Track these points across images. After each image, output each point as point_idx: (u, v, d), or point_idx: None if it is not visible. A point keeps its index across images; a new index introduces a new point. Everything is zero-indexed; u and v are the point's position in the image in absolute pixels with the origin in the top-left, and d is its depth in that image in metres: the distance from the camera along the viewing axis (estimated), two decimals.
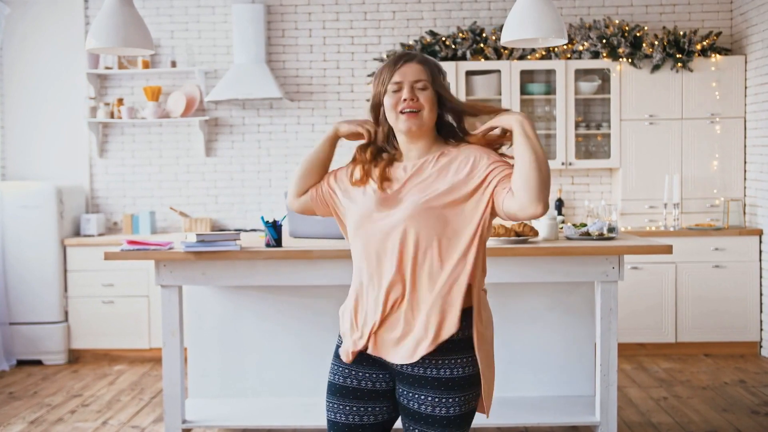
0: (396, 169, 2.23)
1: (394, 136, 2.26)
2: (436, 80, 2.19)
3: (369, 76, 6.34)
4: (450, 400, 2.13)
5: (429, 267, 2.11)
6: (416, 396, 2.15)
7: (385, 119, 2.23)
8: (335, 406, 2.24)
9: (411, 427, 2.18)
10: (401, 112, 2.16)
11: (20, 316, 5.96)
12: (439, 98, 2.20)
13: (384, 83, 2.19)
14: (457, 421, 2.15)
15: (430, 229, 2.10)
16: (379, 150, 2.28)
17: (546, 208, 2.01)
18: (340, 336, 2.29)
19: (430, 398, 2.14)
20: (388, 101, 2.19)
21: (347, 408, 2.23)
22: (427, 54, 6.20)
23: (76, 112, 6.49)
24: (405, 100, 2.15)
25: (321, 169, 2.35)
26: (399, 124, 2.18)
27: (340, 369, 2.25)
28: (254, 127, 6.55)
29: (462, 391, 2.15)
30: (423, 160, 2.21)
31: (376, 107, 2.25)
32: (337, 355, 2.28)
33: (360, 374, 2.22)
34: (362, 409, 2.23)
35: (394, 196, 2.18)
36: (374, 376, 2.22)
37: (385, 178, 2.21)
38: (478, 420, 3.96)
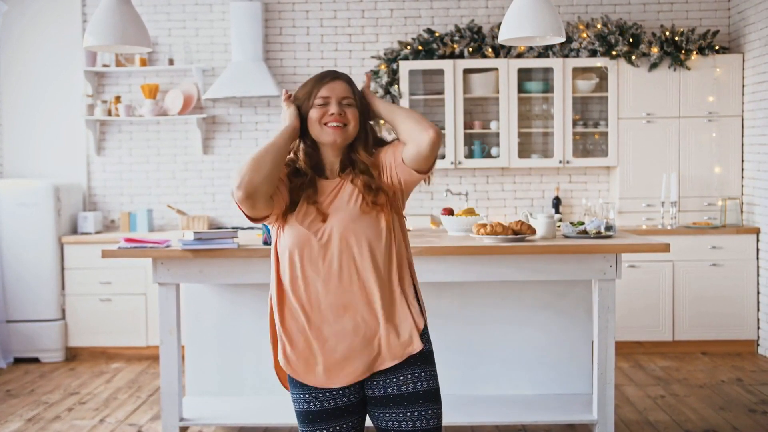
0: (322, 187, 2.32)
1: (308, 148, 2.32)
2: (359, 99, 2.31)
3: (305, 85, 6.34)
4: (429, 373, 2.27)
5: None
6: (395, 379, 2.22)
7: (303, 132, 2.31)
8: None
9: (393, 414, 2.22)
10: (326, 125, 2.25)
11: (17, 314, 5.95)
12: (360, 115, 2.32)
13: (311, 97, 2.27)
14: (437, 393, 2.28)
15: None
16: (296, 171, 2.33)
17: (437, 132, 2.18)
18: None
19: (409, 376, 2.22)
20: (314, 114, 2.26)
21: (332, 429, 2.26)
22: (425, 52, 6.20)
23: (74, 109, 6.48)
24: (332, 114, 2.24)
25: (283, 159, 2.26)
26: (324, 136, 2.27)
27: (313, 395, 2.26)
28: (252, 125, 6.54)
29: (437, 403, 2.28)
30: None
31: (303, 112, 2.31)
32: (298, 384, 2.28)
33: (334, 393, 2.25)
34: (344, 426, 2.28)
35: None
36: (347, 390, 2.26)
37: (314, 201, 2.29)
38: (477, 418, 3.97)
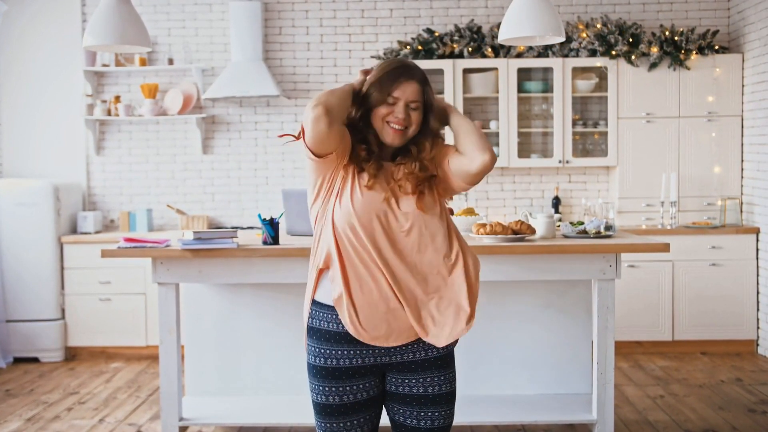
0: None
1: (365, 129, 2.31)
2: (428, 101, 2.31)
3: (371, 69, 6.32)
4: (450, 375, 2.34)
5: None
6: (422, 380, 2.27)
7: (365, 117, 2.29)
8: (325, 389, 2.26)
9: (414, 413, 2.28)
10: (388, 123, 2.26)
11: (17, 314, 5.95)
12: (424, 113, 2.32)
13: (383, 93, 2.25)
14: (454, 394, 2.36)
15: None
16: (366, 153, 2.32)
17: (492, 157, 2.23)
18: (319, 351, 2.28)
19: (435, 378, 2.28)
20: (381, 110, 2.26)
21: (340, 389, 2.25)
22: (425, 51, 6.20)
23: (73, 109, 6.47)
24: (397, 117, 2.25)
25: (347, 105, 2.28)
26: (383, 134, 2.27)
27: (333, 389, 2.26)
28: (251, 125, 6.54)
29: (453, 403, 2.37)
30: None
31: (365, 102, 2.29)
32: (323, 376, 2.27)
33: (354, 387, 2.25)
34: (360, 420, 2.27)
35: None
36: (368, 384, 2.27)
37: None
38: (477, 418, 3.97)
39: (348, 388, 2.24)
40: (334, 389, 2.24)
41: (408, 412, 2.29)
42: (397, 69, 2.27)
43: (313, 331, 2.27)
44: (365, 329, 2.19)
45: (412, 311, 2.20)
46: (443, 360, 2.31)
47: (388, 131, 2.26)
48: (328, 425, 2.27)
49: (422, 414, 2.28)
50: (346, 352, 2.23)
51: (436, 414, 2.29)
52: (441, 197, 2.34)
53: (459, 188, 2.33)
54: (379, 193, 2.23)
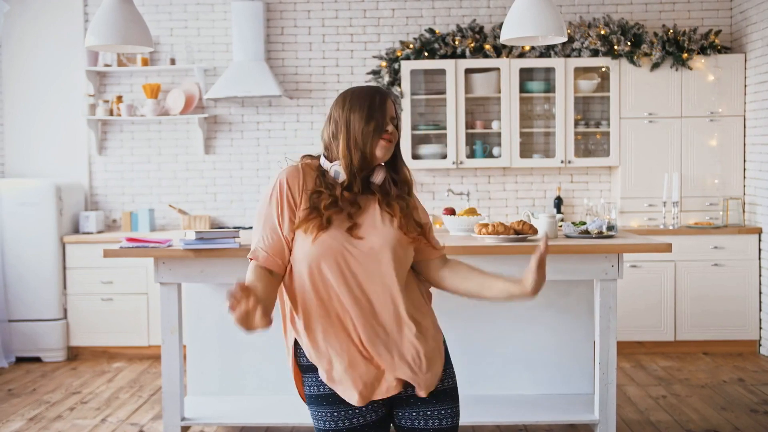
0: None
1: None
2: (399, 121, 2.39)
3: (368, 74, 6.33)
4: (454, 409, 2.31)
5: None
6: (429, 413, 2.26)
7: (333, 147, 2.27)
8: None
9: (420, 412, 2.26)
10: (382, 139, 2.25)
11: (19, 314, 5.96)
12: None
13: (381, 125, 2.24)
14: (457, 426, 2.32)
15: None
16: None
17: None
18: (319, 377, 2.24)
19: (437, 412, 2.26)
20: (381, 129, 2.25)
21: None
22: (427, 51, 6.20)
23: (75, 109, 6.48)
24: (388, 132, 2.26)
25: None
26: (379, 150, 2.25)
27: (342, 413, 2.21)
28: (253, 125, 6.54)
29: (457, 401, 2.34)
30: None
31: (336, 134, 2.27)
32: (329, 402, 2.22)
33: (363, 409, 2.22)
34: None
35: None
36: (376, 404, 2.23)
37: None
38: (478, 418, 3.97)
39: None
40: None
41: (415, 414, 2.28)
42: (379, 99, 2.27)
43: None
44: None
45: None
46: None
47: (381, 146, 2.25)
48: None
49: (429, 413, 2.27)
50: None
51: (443, 412, 2.28)
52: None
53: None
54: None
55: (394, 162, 2.32)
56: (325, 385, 2.21)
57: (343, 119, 2.25)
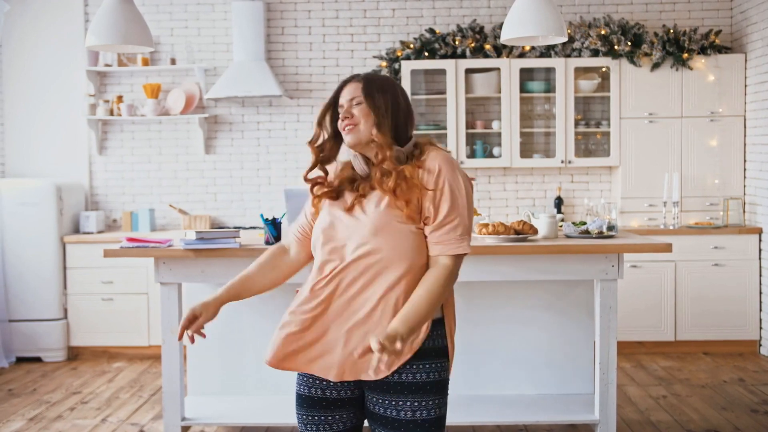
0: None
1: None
2: (373, 94, 2.23)
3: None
4: (429, 403, 2.18)
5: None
6: (393, 403, 2.18)
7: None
8: (303, 417, 2.27)
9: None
10: (343, 130, 2.25)
11: (20, 313, 5.96)
12: (393, 112, 2.25)
13: (335, 111, 2.29)
14: (436, 423, 2.20)
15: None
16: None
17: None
18: None
19: (408, 403, 2.17)
20: (339, 123, 2.27)
21: (315, 418, 2.25)
22: (427, 51, 6.20)
23: (76, 109, 6.48)
24: (341, 119, 2.25)
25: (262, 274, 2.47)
26: (345, 140, 2.26)
27: (305, 379, 2.27)
28: (253, 125, 6.54)
29: (438, 394, 2.20)
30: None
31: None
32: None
33: (324, 383, 2.24)
34: (330, 418, 2.25)
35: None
36: (338, 384, 2.24)
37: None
38: (479, 417, 3.97)
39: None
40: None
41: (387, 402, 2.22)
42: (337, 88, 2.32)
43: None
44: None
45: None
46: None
47: (344, 135, 2.25)
48: (301, 416, 2.27)
49: (405, 404, 2.18)
50: None
51: (423, 404, 2.19)
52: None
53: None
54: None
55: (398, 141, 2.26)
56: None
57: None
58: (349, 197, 2.24)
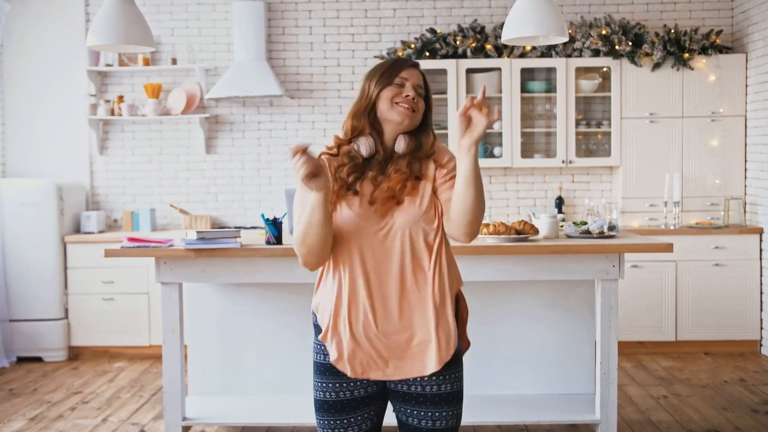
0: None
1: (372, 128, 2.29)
2: (429, 96, 2.32)
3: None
4: (451, 413, 2.24)
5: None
6: (417, 412, 2.23)
7: (367, 115, 2.27)
8: (333, 422, 2.25)
9: (415, 411, 2.24)
10: (398, 104, 2.23)
11: (20, 313, 5.96)
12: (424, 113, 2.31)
13: (390, 77, 2.25)
14: (460, 395, 2.27)
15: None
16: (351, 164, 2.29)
17: (472, 239, 2.21)
18: (321, 349, 2.29)
19: (434, 377, 2.21)
20: (388, 92, 2.24)
21: (346, 421, 2.25)
22: (428, 51, 6.20)
23: (77, 109, 6.48)
24: (407, 96, 2.23)
25: (327, 227, 2.15)
26: (393, 114, 2.23)
27: (330, 384, 2.25)
28: (254, 125, 6.54)
29: (461, 402, 2.28)
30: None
31: (365, 105, 2.28)
32: (321, 372, 2.28)
33: (351, 384, 2.25)
34: (359, 417, 2.26)
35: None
36: (363, 381, 2.25)
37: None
38: (479, 417, 3.97)
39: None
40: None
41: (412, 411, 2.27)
42: (399, 59, 2.31)
43: None
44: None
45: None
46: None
47: (397, 110, 2.23)
48: (326, 421, 2.27)
49: (426, 414, 2.25)
50: None
51: (444, 414, 2.24)
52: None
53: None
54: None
55: (420, 133, 2.29)
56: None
57: (362, 87, 2.30)
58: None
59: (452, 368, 2.24)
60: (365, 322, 2.18)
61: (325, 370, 2.25)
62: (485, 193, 6.42)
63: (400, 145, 2.25)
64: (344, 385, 2.23)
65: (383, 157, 2.26)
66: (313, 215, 2.12)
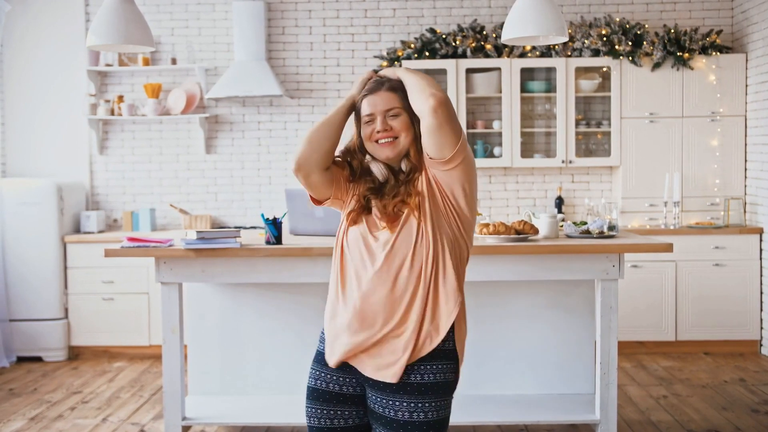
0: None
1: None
2: (409, 107, 2.20)
3: None
4: (428, 405, 2.16)
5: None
6: (391, 403, 2.17)
7: (362, 152, 2.29)
8: (309, 410, 2.29)
9: None
10: (377, 142, 2.21)
11: (20, 313, 5.96)
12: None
13: (359, 116, 2.24)
14: (434, 426, 2.18)
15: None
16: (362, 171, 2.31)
17: (439, 99, 2.07)
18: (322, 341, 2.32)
19: (405, 404, 2.15)
20: (365, 132, 2.24)
21: (318, 411, 2.26)
22: (428, 51, 6.20)
23: (77, 109, 6.48)
24: (378, 131, 2.20)
25: (336, 134, 2.25)
26: (378, 152, 2.23)
27: (313, 372, 2.30)
28: (254, 125, 6.54)
29: (437, 396, 2.18)
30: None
31: (356, 144, 2.30)
32: (315, 359, 2.32)
33: (328, 376, 2.26)
34: (331, 412, 2.25)
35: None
36: (341, 379, 2.25)
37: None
38: (479, 417, 3.97)
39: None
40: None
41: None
42: (365, 89, 2.25)
43: None
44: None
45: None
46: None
47: (378, 149, 2.21)
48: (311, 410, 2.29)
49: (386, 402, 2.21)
50: None
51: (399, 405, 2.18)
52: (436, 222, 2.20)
53: (442, 165, 2.14)
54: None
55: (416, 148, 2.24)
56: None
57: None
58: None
59: (435, 360, 2.18)
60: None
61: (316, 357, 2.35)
62: (487, 192, 6.42)
63: (378, 173, 2.26)
64: (321, 374, 2.31)
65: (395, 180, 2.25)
66: (335, 115, 2.23)
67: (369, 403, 2.23)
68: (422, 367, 2.16)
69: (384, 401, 2.17)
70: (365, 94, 2.23)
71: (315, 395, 2.27)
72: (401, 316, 2.16)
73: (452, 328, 2.20)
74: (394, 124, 2.19)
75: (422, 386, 2.16)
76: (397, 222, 2.18)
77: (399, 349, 2.15)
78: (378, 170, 2.25)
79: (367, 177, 2.28)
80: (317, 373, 2.28)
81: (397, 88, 2.21)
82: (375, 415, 2.21)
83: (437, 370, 2.17)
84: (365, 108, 2.21)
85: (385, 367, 2.16)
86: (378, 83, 2.23)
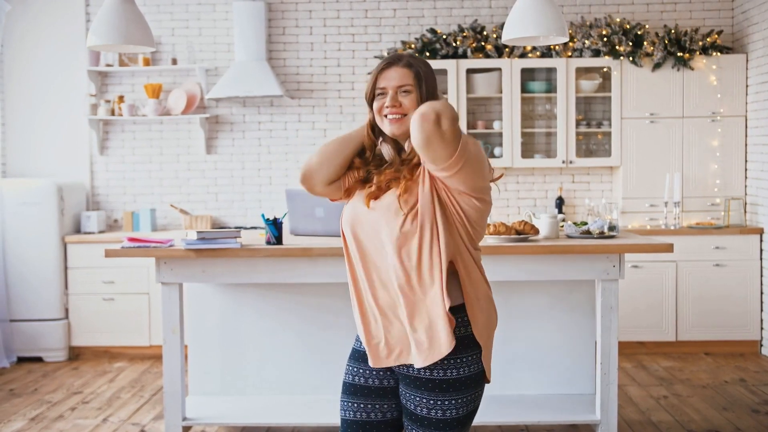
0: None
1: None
2: (422, 83, 2.17)
3: (369, 74, 6.33)
4: (447, 403, 2.15)
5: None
6: (413, 397, 2.18)
7: (373, 129, 2.29)
8: (344, 404, 2.30)
9: (409, 427, 2.22)
10: (386, 116, 2.20)
11: (21, 313, 5.96)
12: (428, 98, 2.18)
13: (373, 88, 2.22)
14: (454, 423, 2.16)
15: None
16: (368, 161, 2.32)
17: (418, 113, 1.99)
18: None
19: (425, 400, 2.16)
20: (376, 105, 2.22)
21: (354, 405, 2.27)
22: (428, 51, 6.20)
23: (77, 109, 6.48)
24: (387, 106, 2.18)
25: (349, 153, 2.28)
26: (384, 127, 2.21)
27: (350, 368, 2.32)
28: (255, 125, 6.54)
29: (462, 392, 2.16)
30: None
31: (369, 120, 2.29)
32: (350, 356, 2.35)
33: (367, 372, 2.27)
34: (369, 406, 2.27)
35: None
36: (380, 373, 2.27)
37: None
38: (479, 418, 3.97)
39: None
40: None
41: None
42: (381, 62, 2.22)
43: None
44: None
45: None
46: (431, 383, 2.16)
47: (386, 123, 2.19)
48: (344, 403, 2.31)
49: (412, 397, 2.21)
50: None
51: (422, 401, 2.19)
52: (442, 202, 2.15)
53: (438, 173, 2.08)
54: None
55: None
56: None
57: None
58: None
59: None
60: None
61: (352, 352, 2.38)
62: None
63: (386, 154, 2.26)
64: (359, 370, 2.34)
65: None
66: (349, 139, 2.28)
67: (402, 400, 2.25)
68: (450, 362, 2.14)
69: (407, 394, 2.20)
70: (382, 67, 2.20)
71: (352, 390, 2.28)
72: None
73: (463, 311, 2.19)
74: (404, 101, 2.17)
75: (442, 383, 2.15)
76: (379, 196, 2.19)
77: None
78: (386, 151, 2.25)
79: (377, 161, 2.30)
80: (355, 369, 2.30)
81: (413, 65, 2.18)
82: (402, 406, 2.26)
83: (464, 363, 2.16)
84: (380, 81, 2.19)
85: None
86: (396, 57, 2.21)
